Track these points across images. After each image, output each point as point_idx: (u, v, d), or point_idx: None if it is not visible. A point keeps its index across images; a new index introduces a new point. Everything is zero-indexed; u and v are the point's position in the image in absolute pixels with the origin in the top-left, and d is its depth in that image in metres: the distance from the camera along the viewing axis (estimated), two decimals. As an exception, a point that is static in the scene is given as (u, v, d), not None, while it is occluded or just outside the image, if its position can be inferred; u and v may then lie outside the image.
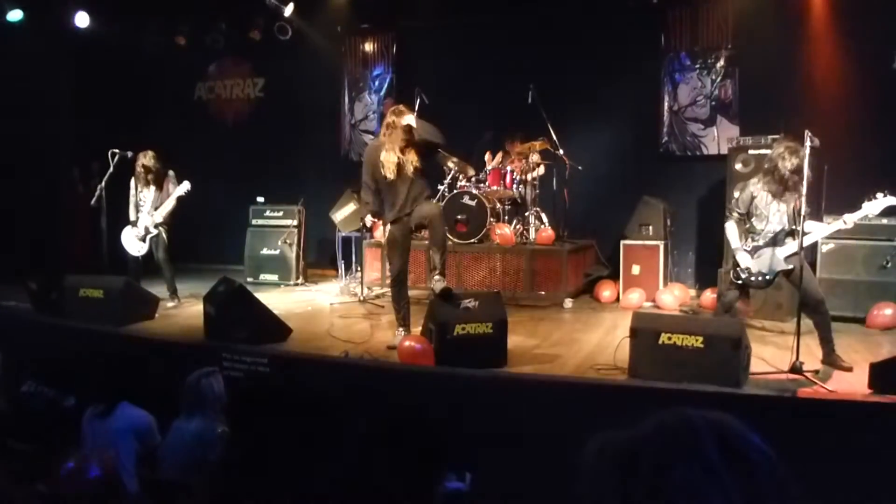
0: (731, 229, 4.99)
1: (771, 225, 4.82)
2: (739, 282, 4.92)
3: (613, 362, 4.66)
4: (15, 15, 8.73)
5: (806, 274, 4.70)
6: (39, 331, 6.03)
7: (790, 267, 4.75)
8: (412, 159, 5.22)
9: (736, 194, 5.06)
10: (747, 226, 4.93)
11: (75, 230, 9.21)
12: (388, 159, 5.20)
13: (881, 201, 4.62)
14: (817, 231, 4.85)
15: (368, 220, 5.55)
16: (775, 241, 4.83)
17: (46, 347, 5.51)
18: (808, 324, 4.93)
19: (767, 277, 4.82)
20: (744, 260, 4.85)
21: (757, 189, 4.86)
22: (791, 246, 4.75)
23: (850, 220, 4.67)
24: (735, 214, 4.98)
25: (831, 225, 4.79)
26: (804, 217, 4.57)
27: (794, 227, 4.72)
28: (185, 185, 6.99)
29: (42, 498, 2.55)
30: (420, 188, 5.32)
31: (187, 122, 10.25)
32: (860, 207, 4.68)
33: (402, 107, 5.37)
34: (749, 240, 4.91)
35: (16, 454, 3.29)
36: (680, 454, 0.79)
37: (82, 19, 9.30)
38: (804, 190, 4.56)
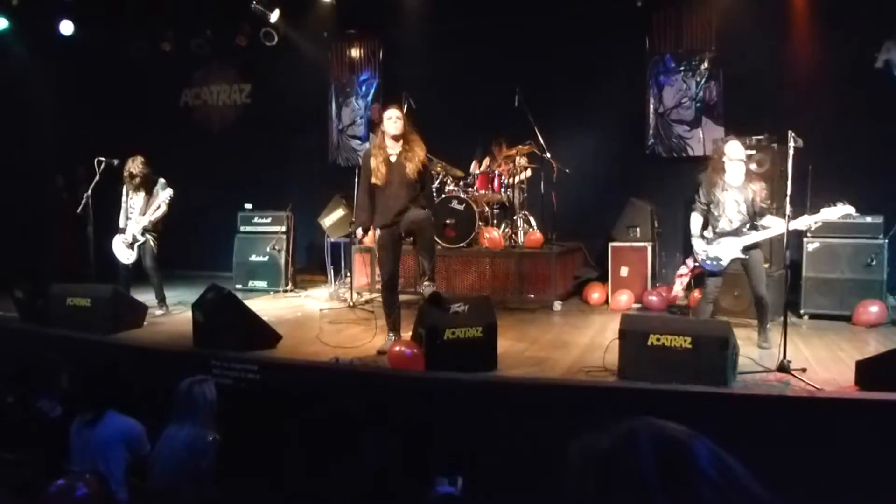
0: (694, 219, 5.38)
1: (728, 213, 5.17)
2: (697, 264, 5.33)
3: (603, 364, 4.67)
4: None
5: (754, 270, 5.16)
6: (26, 340, 5.98)
7: (744, 256, 5.14)
8: (404, 165, 5.22)
9: (701, 181, 5.42)
10: (709, 215, 5.30)
11: (61, 238, 9.15)
12: (378, 165, 5.22)
13: (838, 209, 4.87)
14: (775, 227, 5.10)
15: (359, 232, 5.54)
16: (737, 231, 5.16)
17: (33, 357, 5.46)
18: (798, 322, 4.98)
19: (721, 263, 5.20)
20: (698, 245, 5.27)
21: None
22: (750, 237, 5.11)
23: (807, 221, 4.96)
24: (699, 206, 5.34)
25: (790, 223, 4.94)
26: (762, 211, 5.02)
27: (754, 220, 5.10)
28: (169, 192, 6.96)
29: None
30: (412, 195, 5.32)
31: (173, 129, 10.19)
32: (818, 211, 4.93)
33: (391, 110, 5.36)
34: (710, 228, 5.26)
35: (2, 464, 3.26)
36: (617, 470, 0.79)
37: (67, 27, 9.26)
38: (789, 189, 4.66)
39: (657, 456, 0.78)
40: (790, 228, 4.89)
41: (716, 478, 0.78)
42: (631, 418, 0.85)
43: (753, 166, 6.55)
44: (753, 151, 6.54)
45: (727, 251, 5.18)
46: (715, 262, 5.21)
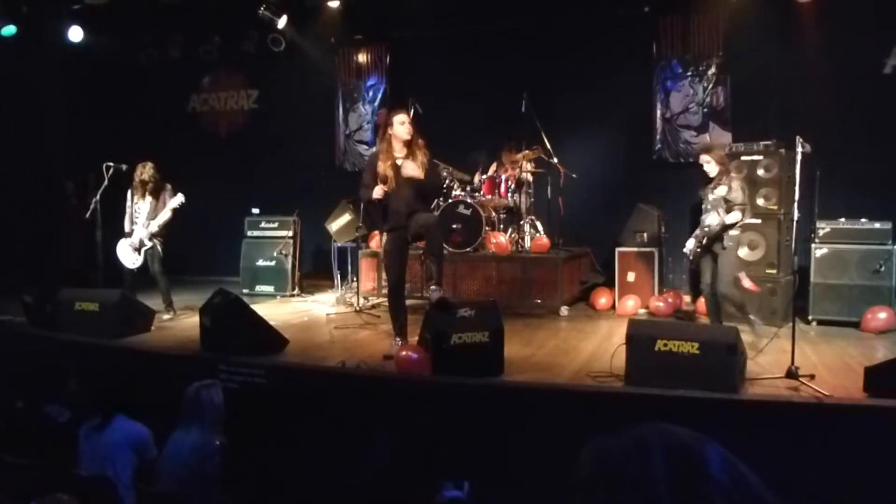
0: None
1: (704, 213, 5.53)
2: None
3: (610, 370, 4.65)
4: (8, 29, 8.73)
5: (718, 265, 5.49)
6: (35, 345, 6.01)
7: (698, 250, 5.55)
8: (411, 169, 5.23)
9: None
10: None
11: (70, 243, 9.19)
12: (386, 169, 5.24)
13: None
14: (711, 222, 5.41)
15: (378, 191, 5.30)
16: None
17: (42, 362, 5.49)
18: (806, 328, 4.95)
19: (690, 258, 5.71)
20: (688, 242, 5.67)
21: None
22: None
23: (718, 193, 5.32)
24: None
25: (727, 218, 5.30)
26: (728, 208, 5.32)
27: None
28: (179, 198, 6.98)
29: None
30: (418, 197, 5.33)
31: (181, 135, 10.24)
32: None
33: (401, 115, 5.39)
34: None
35: (10, 469, 3.28)
36: (628, 476, 0.79)
37: (76, 33, 9.32)
38: (797, 195, 4.64)
39: (669, 462, 0.78)
40: (728, 221, 5.31)
41: (728, 484, 0.77)
42: (641, 424, 0.85)
43: (761, 172, 6.55)
44: (761, 157, 6.53)
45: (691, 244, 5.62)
46: (690, 256, 5.70)
